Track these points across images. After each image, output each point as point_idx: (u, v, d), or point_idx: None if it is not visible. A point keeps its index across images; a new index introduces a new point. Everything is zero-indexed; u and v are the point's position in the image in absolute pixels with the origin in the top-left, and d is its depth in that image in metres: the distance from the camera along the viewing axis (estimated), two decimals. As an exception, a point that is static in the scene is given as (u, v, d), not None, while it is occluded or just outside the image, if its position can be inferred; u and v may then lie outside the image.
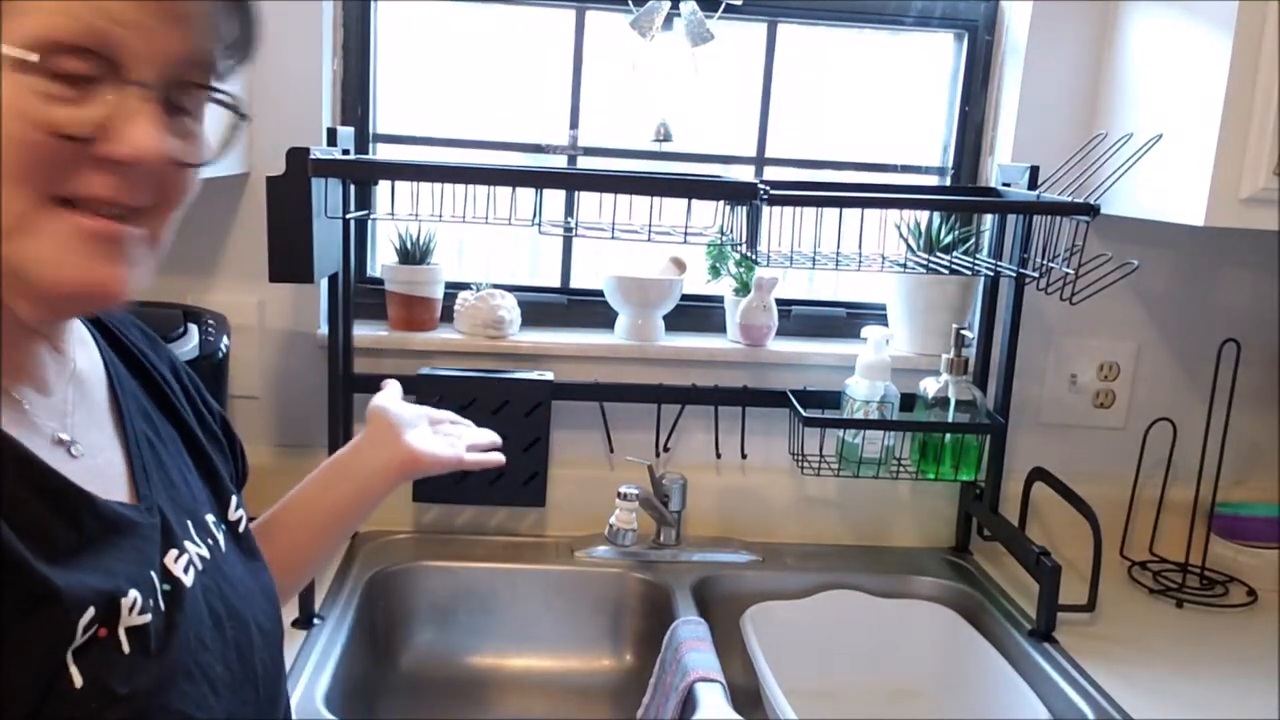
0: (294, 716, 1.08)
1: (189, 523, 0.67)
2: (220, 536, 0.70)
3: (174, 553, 0.63)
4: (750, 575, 1.51)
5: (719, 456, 1.61)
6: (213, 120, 0.61)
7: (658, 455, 1.59)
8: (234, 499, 0.75)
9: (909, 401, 1.52)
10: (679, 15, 1.52)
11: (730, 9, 1.53)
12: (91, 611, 0.54)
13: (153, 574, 0.60)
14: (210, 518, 0.70)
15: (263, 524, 0.93)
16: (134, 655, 0.56)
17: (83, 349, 0.67)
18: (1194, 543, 1.56)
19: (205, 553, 0.66)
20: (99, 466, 0.62)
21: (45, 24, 0.52)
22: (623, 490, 1.42)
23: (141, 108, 0.54)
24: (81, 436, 0.62)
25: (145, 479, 0.64)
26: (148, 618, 0.57)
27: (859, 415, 1.48)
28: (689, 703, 1.15)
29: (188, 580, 0.63)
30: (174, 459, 0.70)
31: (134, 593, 0.57)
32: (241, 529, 0.75)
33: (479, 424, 1.49)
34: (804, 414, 1.48)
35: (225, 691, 0.63)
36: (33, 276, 0.54)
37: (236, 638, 0.67)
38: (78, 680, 0.52)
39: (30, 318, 0.59)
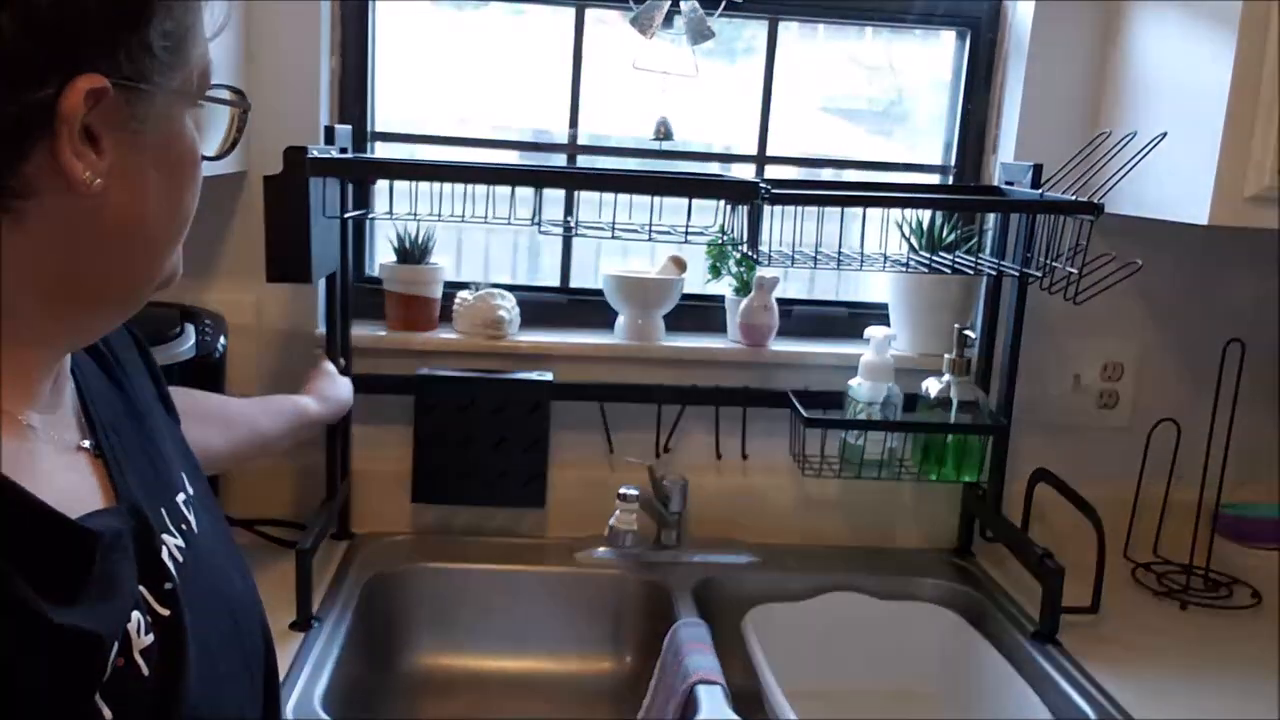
0: (292, 718, 1.09)
1: (163, 511, 0.65)
2: (191, 517, 0.69)
3: (163, 550, 0.62)
4: (751, 577, 1.51)
5: (720, 457, 1.60)
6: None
7: (658, 456, 1.58)
8: (184, 474, 0.73)
9: (911, 402, 1.51)
10: (679, 13, 1.52)
11: (731, 6, 1.52)
12: (116, 645, 0.53)
13: (143, 589, 0.58)
14: (180, 497, 0.69)
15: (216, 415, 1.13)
16: (153, 675, 0.55)
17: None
18: (1198, 544, 1.55)
19: (181, 541, 0.65)
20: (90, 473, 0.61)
21: (202, 62, 0.59)
22: (623, 491, 1.42)
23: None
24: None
25: (121, 477, 0.63)
26: (151, 638, 0.56)
27: (862, 416, 1.47)
28: (690, 705, 1.15)
29: (177, 577, 0.62)
30: (139, 445, 0.68)
31: (135, 614, 0.56)
32: (200, 504, 0.73)
33: (479, 424, 1.51)
34: (805, 415, 1.47)
35: (229, 677, 0.63)
36: (174, 277, 0.62)
37: (226, 618, 0.66)
38: (108, 715, 0.51)
39: (101, 332, 0.64)
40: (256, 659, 0.69)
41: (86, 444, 0.62)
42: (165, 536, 0.63)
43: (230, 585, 0.70)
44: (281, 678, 1.02)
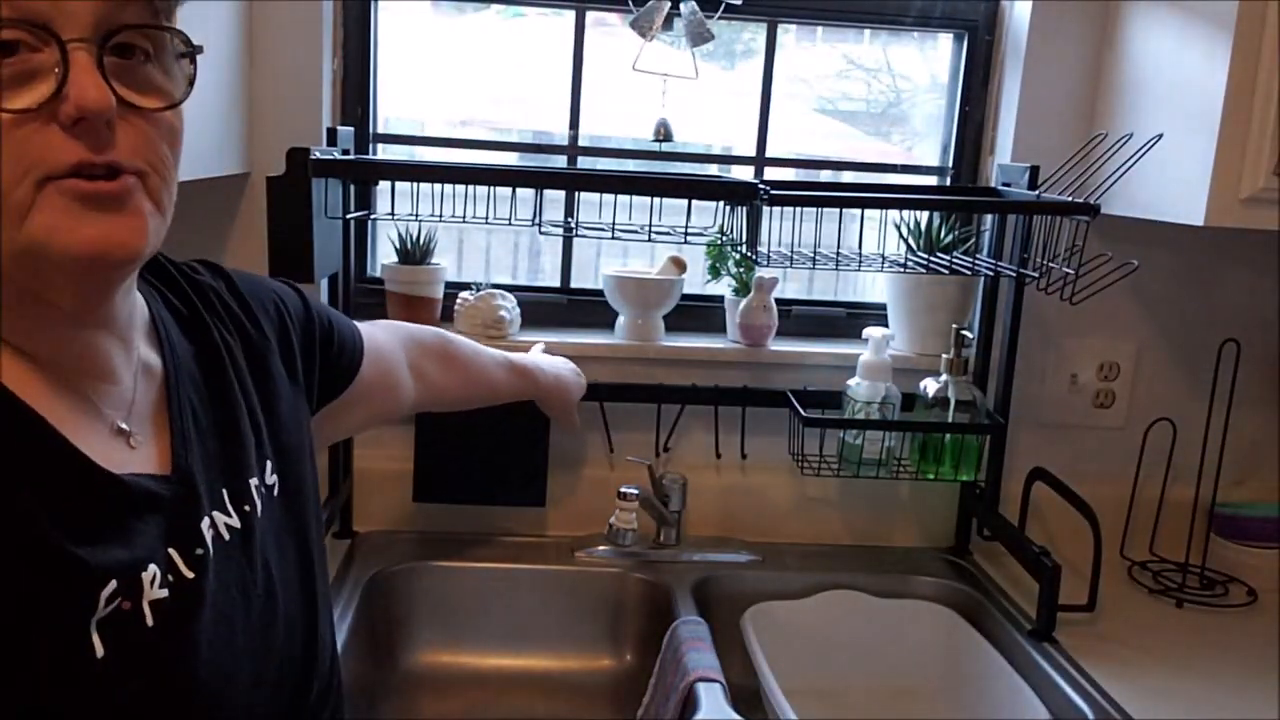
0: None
1: (224, 491, 0.67)
2: (259, 500, 0.71)
3: (206, 521, 0.64)
4: (750, 575, 1.51)
5: (719, 456, 1.61)
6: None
7: (658, 455, 1.59)
8: (269, 463, 0.75)
9: (909, 401, 1.52)
10: (679, 15, 1.52)
11: (730, 9, 1.53)
12: (114, 584, 0.55)
13: (171, 550, 0.61)
14: (253, 481, 0.71)
15: (453, 360, 1.21)
16: (158, 627, 0.58)
17: (151, 345, 0.68)
18: (1194, 542, 1.56)
19: (236, 522, 0.67)
20: (145, 445, 0.64)
21: None
22: (623, 490, 1.42)
23: (79, 62, 0.54)
24: (138, 425, 0.64)
25: (183, 452, 0.65)
26: (165, 593, 0.59)
27: (860, 416, 1.48)
28: (689, 703, 1.15)
29: (214, 550, 0.64)
30: (214, 425, 0.70)
31: (153, 567, 0.58)
32: (276, 492, 0.75)
33: (478, 424, 1.51)
34: (804, 414, 1.48)
35: (246, 657, 0.65)
36: (51, 249, 0.55)
37: (264, 603, 0.68)
38: (99, 649, 0.54)
39: (71, 303, 0.59)
40: (295, 643, 0.71)
41: (123, 426, 0.63)
42: (215, 513, 0.66)
43: (281, 573, 0.71)
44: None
